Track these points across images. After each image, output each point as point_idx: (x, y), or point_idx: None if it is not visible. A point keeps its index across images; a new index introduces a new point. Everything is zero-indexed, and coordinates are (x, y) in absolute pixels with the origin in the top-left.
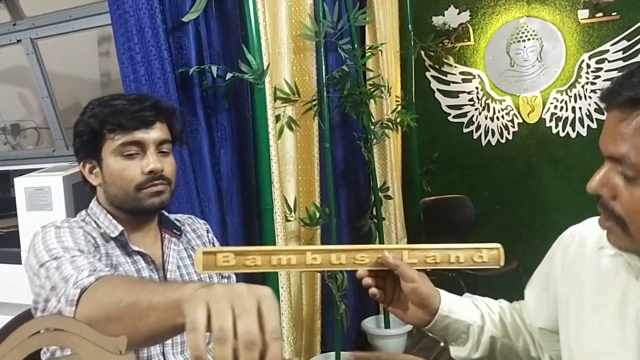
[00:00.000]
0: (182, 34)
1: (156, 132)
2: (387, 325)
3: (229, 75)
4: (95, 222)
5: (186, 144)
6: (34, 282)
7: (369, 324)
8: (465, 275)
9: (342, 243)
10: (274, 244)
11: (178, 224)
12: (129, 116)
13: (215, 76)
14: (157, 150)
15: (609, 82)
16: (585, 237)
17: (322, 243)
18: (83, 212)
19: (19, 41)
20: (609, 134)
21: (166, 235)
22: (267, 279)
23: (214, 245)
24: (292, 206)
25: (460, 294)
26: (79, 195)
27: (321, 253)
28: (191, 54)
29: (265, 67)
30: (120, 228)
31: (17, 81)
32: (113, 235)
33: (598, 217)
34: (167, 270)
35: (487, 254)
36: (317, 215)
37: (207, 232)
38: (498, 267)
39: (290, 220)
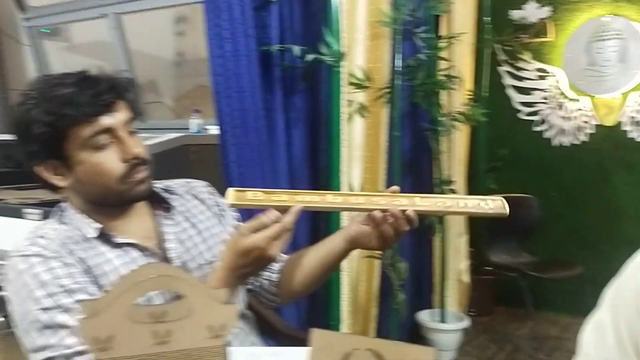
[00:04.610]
0: (267, 13)
1: (121, 113)
2: (442, 320)
3: (310, 57)
4: (68, 224)
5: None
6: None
7: (424, 316)
8: (527, 276)
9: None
10: (337, 227)
11: (167, 194)
12: (89, 103)
13: (296, 56)
14: (127, 131)
15: None
16: None
17: None
18: (54, 219)
19: (104, 15)
20: None
21: (159, 212)
22: None
23: (218, 205)
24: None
25: (520, 297)
26: None
27: (342, 196)
28: (274, 34)
29: (344, 51)
30: (99, 227)
31: (96, 55)
32: (90, 236)
33: None
34: (166, 249)
35: (492, 203)
36: None
37: (210, 194)
38: (503, 215)
39: None
